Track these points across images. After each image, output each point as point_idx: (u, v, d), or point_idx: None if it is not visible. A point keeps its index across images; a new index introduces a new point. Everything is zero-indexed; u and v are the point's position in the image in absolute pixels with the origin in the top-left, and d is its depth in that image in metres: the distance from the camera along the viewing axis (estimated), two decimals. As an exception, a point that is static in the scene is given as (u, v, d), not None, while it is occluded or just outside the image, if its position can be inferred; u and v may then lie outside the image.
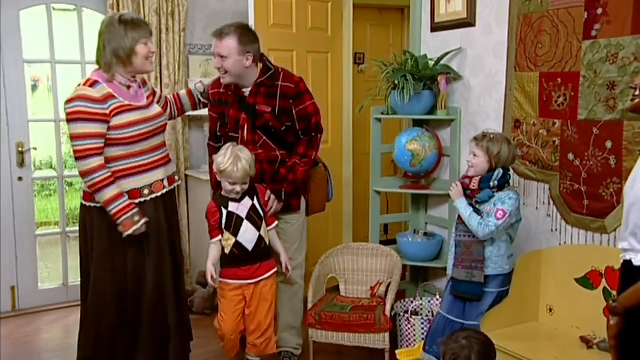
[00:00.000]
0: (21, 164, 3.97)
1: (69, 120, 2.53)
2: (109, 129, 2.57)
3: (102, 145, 2.56)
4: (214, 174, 2.91)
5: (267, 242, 2.84)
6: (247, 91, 2.92)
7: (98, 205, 2.63)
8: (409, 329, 3.17)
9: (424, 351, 2.79)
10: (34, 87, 6.88)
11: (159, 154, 2.78)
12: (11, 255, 3.99)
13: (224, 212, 2.75)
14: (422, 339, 3.10)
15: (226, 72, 2.84)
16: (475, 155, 2.65)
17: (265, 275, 2.83)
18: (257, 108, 2.89)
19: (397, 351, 2.99)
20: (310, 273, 3.35)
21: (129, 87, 2.67)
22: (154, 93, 2.90)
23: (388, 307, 3.04)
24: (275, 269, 2.88)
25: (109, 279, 2.68)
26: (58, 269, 4.36)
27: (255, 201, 2.80)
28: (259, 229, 2.78)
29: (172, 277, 2.82)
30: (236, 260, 2.78)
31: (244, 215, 2.76)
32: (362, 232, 4.53)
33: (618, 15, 2.55)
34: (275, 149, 2.94)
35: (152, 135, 2.72)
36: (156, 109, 2.79)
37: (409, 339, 3.17)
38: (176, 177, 2.92)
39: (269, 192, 2.91)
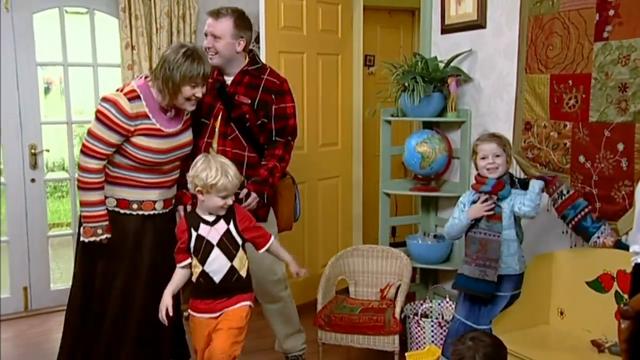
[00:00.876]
0: (34, 165, 4.01)
1: (95, 116, 2.57)
2: (127, 141, 2.56)
3: (109, 152, 2.56)
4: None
5: (243, 275, 2.44)
6: (228, 79, 2.84)
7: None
8: (418, 331, 3.16)
9: (443, 355, 2.77)
10: (47, 90, 6.93)
11: (165, 177, 2.70)
12: (24, 256, 4.03)
13: (193, 234, 2.40)
14: (432, 341, 3.09)
15: (216, 53, 2.78)
16: (498, 155, 2.63)
17: (230, 308, 2.41)
18: (235, 98, 2.81)
19: (406, 354, 2.97)
20: (320, 275, 3.35)
21: (166, 111, 2.64)
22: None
23: (398, 310, 3.04)
24: (246, 302, 2.45)
25: (78, 285, 2.72)
26: (70, 270, 4.35)
27: (232, 225, 2.43)
28: (231, 258, 2.40)
29: (145, 297, 2.67)
30: (202, 291, 2.43)
31: (214, 242, 2.39)
32: (372, 234, 4.52)
33: (630, 16, 2.53)
34: (245, 147, 2.80)
35: (167, 163, 2.68)
36: (186, 137, 2.72)
37: (419, 342, 3.16)
38: (173, 201, 2.80)
39: (245, 190, 2.70)
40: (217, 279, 2.39)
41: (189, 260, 2.43)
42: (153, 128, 2.58)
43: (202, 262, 2.39)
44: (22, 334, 3.77)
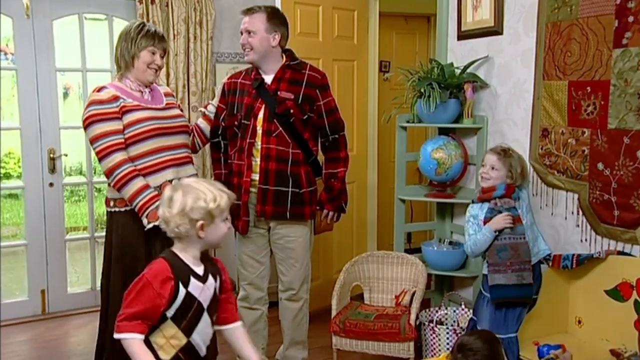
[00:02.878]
0: (52, 170, 4.06)
1: (86, 127, 2.60)
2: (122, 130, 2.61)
3: (122, 141, 2.58)
4: (219, 168, 2.97)
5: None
6: (267, 78, 2.88)
7: (115, 209, 2.68)
8: (433, 338, 3.14)
9: None
10: (65, 95, 7.03)
11: (172, 153, 2.71)
12: (42, 259, 4.08)
13: (181, 292, 1.77)
14: (447, 348, 3.07)
15: (251, 49, 2.82)
16: (494, 168, 2.69)
17: None
18: (278, 94, 2.83)
19: (421, 361, 2.97)
20: (334, 280, 3.35)
21: (140, 92, 2.71)
22: (179, 106, 2.90)
23: (413, 316, 3.03)
24: None
25: (119, 287, 2.62)
26: (86, 274, 4.43)
27: (218, 283, 1.93)
28: (213, 323, 1.93)
29: None
30: None
31: (205, 304, 1.86)
32: (387, 240, 4.52)
33: (650, 23, 2.51)
34: (289, 143, 2.82)
35: (164, 133, 2.69)
36: (174, 111, 2.79)
37: (434, 349, 3.14)
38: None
39: (326, 211, 2.95)
40: (202, 351, 1.87)
41: (141, 335, 1.74)
42: (133, 104, 2.64)
43: (189, 332, 1.81)
44: (39, 337, 3.81)
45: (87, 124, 2.59)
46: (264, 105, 2.83)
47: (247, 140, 2.83)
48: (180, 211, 1.77)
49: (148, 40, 2.67)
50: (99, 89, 2.64)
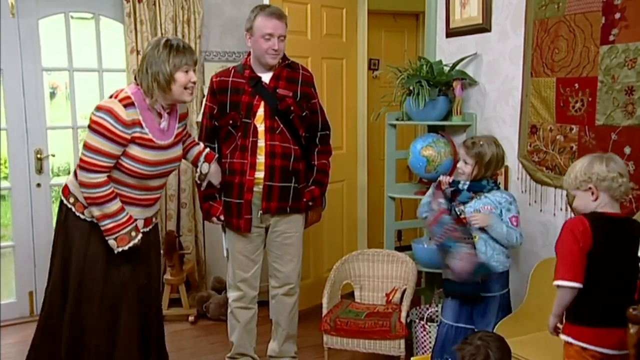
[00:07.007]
0: (39, 170, 4.02)
1: (90, 127, 2.44)
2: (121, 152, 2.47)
3: (111, 165, 2.44)
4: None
5: None
6: (265, 76, 2.88)
7: (72, 208, 2.53)
8: (424, 335, 3.15)
9: None
10: (52, 95, 6.96)
11: (149, 194, 2.60)
12: (29, 260, 4.04)
13: None
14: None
15: (279, 54, 2.85)
16: (466, 162, 2.71)
17: None
18: (278, 92, 2.86)
19: (412, 358, 2.97)
20: (325, 279, 3.35)
21: (160, 115, 2.54)
22: (185, 131, 2.78)
23: (403, 314, 3.03)
24: None
25: (58, 295, 2.61)
26: (75, 275, 4.39)
27: None
28: None
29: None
30: None
31: None
32: (377, 238, 4.52)
33: (636, 19, 2.52)
34: (290, 140, 2.88)
35: (154, 177, 2.58)
36: (176, 151, 2.64)
37: (424, 346, 3.15)
38: (154, 219, 2.72)
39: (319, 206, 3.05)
40: None
41: None
42: (146, 138, 2.48)
43: None
44: (27, 339, 3.72)
45: (94, 129, 2.41)
46: (262, 103, 2.85)
47: (250, 139, 2.84)
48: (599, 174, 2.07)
49: (181, 59, 2.47)
50: (127, 104, 2.43)
